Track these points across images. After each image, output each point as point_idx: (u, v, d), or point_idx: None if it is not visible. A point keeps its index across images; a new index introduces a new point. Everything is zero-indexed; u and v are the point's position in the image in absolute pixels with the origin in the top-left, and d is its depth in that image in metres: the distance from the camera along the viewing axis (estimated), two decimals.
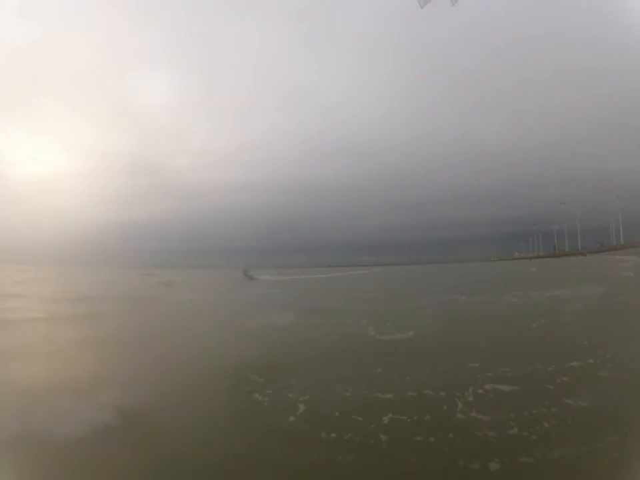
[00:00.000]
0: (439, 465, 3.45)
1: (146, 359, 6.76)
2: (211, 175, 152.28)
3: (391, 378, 5.39)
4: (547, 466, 3.38)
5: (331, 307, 14.07)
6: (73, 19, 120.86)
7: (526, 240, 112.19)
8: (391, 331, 8.49)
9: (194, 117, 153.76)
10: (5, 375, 5.80)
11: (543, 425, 3.99)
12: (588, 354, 6.03)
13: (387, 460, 3.49)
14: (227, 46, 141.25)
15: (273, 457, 3.56)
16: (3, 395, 4.86)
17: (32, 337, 8.62)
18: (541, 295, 14.37)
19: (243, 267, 38.15)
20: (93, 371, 5.99)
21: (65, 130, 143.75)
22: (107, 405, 4.31)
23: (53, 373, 6.03)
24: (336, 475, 3.33)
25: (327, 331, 8.77)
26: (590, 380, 5.09)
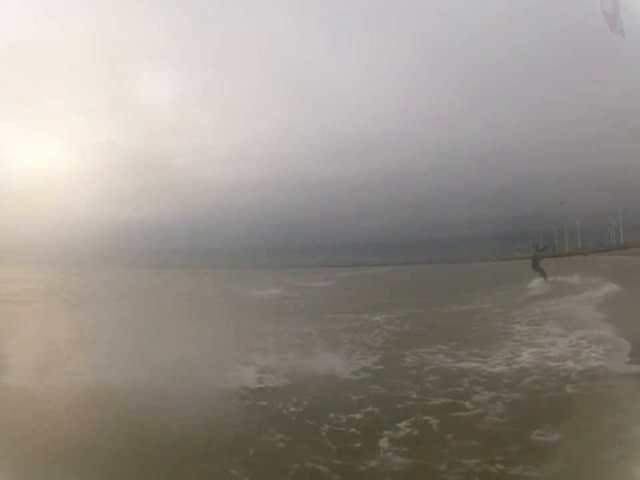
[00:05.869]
0: None
1: None
2: (213, 173, 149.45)
3: None
4: None
5: None
6: (72, 12, 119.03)
7: (526, 240, 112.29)
8: None
9: (197, 112, 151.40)
10: None
11: None
12: None
13: None
14: (232, 37, 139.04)
15: None
16: None
17: None
18: None
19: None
20: None
21: (64, 126, 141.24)
22: None
23: None
24: None
25: None
26: None
